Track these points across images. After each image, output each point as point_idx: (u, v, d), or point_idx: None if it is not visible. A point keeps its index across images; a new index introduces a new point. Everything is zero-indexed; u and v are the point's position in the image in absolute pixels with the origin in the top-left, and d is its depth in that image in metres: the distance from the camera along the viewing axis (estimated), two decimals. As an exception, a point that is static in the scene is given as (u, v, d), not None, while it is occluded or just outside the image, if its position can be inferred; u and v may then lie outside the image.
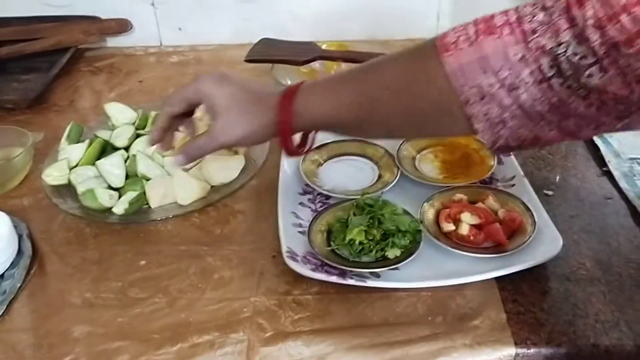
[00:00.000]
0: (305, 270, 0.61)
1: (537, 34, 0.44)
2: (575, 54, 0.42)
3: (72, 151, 0.78)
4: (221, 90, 0.58)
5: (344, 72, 0.59)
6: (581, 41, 0.41)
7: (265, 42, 0.92)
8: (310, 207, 0.72)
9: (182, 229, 0.70)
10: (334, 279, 0.60)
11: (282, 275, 0.63)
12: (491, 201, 0.67)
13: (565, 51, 0.42)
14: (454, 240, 0.64)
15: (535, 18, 0.44)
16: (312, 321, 0.59)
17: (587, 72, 0.42)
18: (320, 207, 0.71)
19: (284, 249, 0.63)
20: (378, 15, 1.10)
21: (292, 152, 0.59)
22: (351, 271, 0.61)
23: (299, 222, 0.69)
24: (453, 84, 0.47)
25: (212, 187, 0.74)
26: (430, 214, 0.67)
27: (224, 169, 0.74)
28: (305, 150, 0.61)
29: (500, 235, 0.62)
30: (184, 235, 0.70)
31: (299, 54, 0.88)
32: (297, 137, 0.59)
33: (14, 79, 1.02)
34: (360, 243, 0.63)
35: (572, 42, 0.42)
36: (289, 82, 0.88)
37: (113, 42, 1.13)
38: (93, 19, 1.10)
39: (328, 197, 0.72)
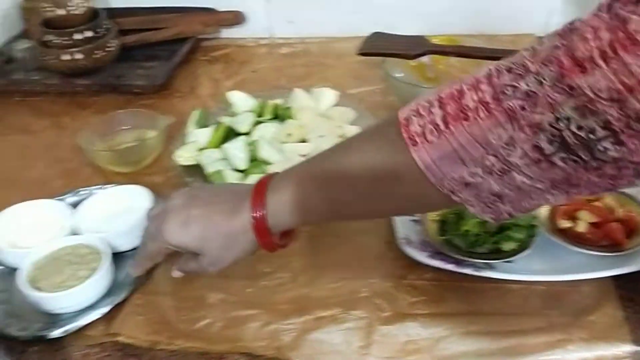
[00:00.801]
0: (421, 257, 0.64)
1: (525, 110, 0.36)
2: (580, 128, 0.35)
3: (200, 135, 0.85)
4: (188, 235, 0.56)
5: (310, 166, 0.54)
6: (587, 114, 0.34)
7: (377, 36, 0.95)
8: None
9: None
10: (450, 266, 0.62)
11: (397, 260, 0.67)
12: (609, 200, 0.67)
13: (566, 126, 0.35)
14: (570, 237, 0.64)
15: (517, 90, 0.36)
16: (427, 305, 0.62)
17: (600, 146, 0.35)
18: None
19: (399, 235, 0.66)
20: (485, 10, 1.11)
21: (275, 248, 0.58)
22: (466, 261, 0.63)
23: (412, 211, 0.72)
24: (430, 180, 0.42)
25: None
26: (544, 209, 0.68)
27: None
28: (286, 243, 0.59)
29: (619, 234, 0.63)
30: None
31: (410, 48, 0.90)
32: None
33: (138, 65, 1.10)
34: (476, 234, 0.65)
35: (574, 116, 0.34)
36: (402, 75, 0.91)
37: (226, 33, 1.20)
38: (210, 10, 1.18)
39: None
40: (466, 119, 0.39)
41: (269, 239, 0.55)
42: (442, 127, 0.40)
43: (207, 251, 0.57)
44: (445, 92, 0.42)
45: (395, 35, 0.94)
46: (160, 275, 0.67)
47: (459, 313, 0.61)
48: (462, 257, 0.63)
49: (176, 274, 0.63)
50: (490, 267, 0.63)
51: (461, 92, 0.40)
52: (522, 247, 0.64)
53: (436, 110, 0.41)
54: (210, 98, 1.02)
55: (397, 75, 0.92)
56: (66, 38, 1.01)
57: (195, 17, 1.16)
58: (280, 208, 0.53)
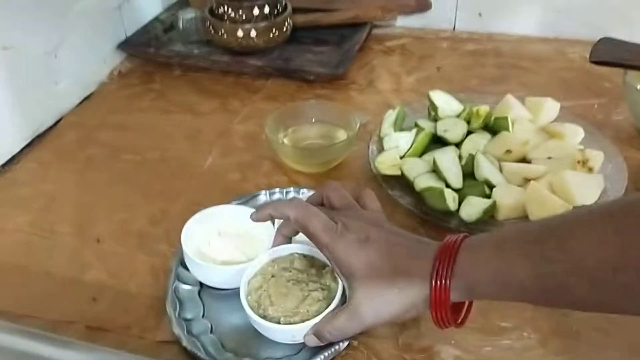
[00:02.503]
0: None
1: None
2: None
3: (400, 139, 0.72)
4: (362, 257, 0.47)
5: (520, 233, 0.44)
6: None
7: (609, 42, 0.79)
8: None
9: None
10: None
11: None
12: None
13: None
14: None
15: None
16: None
17: None
18: None
19: None
20: None
21: (448, 324, 0.47)
22: None
23: None
24: None
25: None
26: None
27: (586, 187, 0.64)
28: (460, 320, 0.48)
29: None
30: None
31: (662, 61, 0.74)
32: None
33: (307, 49, 0.99)
34: None
35: None
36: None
37: (402, 21, 1.07)
38: (389, -6, 1.05)
39: None
40: None
41: (446, 289, 0.44)
42: None
43: (369, 286, 0.47)
44: None
45: (634, 44, 0.78)
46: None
47: None
48: None
49: (310, 341, 0.50)
50: None
51: None
52: None
53: None
54: (392, 94, 0.89)
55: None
56: (242, 12, 0.91)
57: (373, 1, 1.04)
58: (473, 273, 0.44)
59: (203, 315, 0.55)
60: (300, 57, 0.97)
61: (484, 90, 0.87)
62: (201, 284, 0.58)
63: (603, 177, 0.66)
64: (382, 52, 1.01)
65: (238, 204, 0.64)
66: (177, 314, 0.54)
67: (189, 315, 0.55)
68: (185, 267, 0.58)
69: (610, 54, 0.77)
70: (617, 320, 0.53)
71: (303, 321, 0.49)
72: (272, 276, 0.53)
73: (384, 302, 0.46)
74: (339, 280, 0.50)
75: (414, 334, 0.53)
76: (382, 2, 1.03)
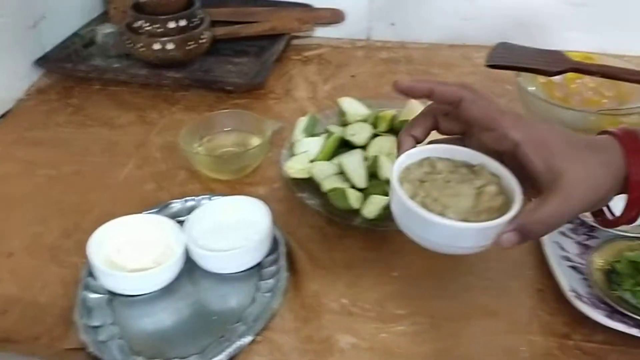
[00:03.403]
0: (597, 316, 0.53)
1: None
2: None
3: (311, 144, 0.75)
4: (555, 132, 0.44)
5: None
6: None
7: (505, 47, 0.85)
8: (572, 238, 0.64)
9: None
10: (634, 331, 0.52)
11: (555, 314, 0.57)
12: None
13: None
14: None
15: None
16: (602, 375, 0.52)
17: None
18: (585, 239, 0.64)
19: (565, 287, 0.56)
20: (612, 27, 1.00)
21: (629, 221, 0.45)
22: (651, 324, 0.53)
23: (565, 254, 0.62)
24: None
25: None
26: None
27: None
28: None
29: None
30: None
31: (550, 63, 0.80)
32: None
33: (227, 61, 1.01)
34: (660, 292, 0.54)
35: None
36: (533, 90, 0.81)
37: (320, 32, 1.11)
38: (306, 7, 1.09)
39: (593, 229, 0.65)
40: None
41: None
42: None
43: (575, 163, 0.42)
44: None
45: (528, 47, 0.84)
46: (282, 307, 0.57)
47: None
48: (647, 320, 0.53)
49: (510, 239, 0.43)
50: (680, 335, 0.53)
51: None
52: None
53: None
54: (308, 102, 0.93)
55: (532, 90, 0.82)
56: (159, 25, 0.92)
57: (290, 13, 1.07)
58: None
59: (112, 323, 0.57)
60: (221, 68, 0.99)
61: (395, 96, 0.91)
62: (112, 293, 0.59)
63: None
64: (301, 62, 1.04)
65: (149, 213, 0.66)
66: (84, 322, 0.55)
67: (96, 323, 0.56)
68: (94, 277, 0.59)
69: (505, 58, 0.83)
70: (505, 304, 0.58)
71: (493, 218, 0.43)
72: (422, 181, 0.47)
73: (595, 178, 0.43)
74: (503, 172, 0.46)
75: (315, 327, 0.56)
76: (299, 14, 1.07)
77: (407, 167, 0.48)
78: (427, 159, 0.49)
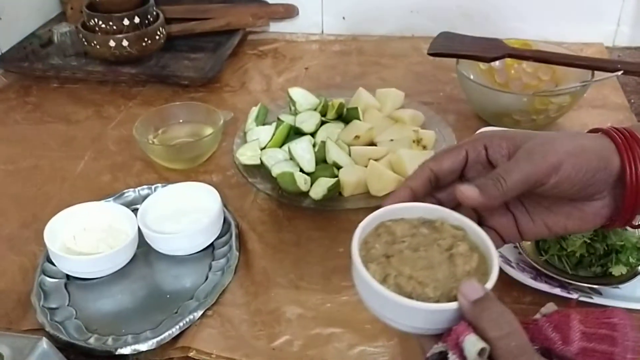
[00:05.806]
0: (525, 278, 0.58)
1: None
2: None
3: (261, 133, 0.79)
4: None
5: None
6: None
7: (446, 36, 0.89)
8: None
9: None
10: (557, 291, 0.57)
11: (488, 279, 0.61)
12: None
13: None
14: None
15: None
16: (530, 332, 0.56)
17: None
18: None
19: (495, 252, 0.60)
20: (551, 16, 1.06)
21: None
22: (571, 284, 0.57)
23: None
24: None
25: (403, 180, 0.72)
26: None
27: (418, 162, 0.72)
28: None
29: None
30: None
31: (487, 50, 0.84)
32: None
33: (184, 57, 1.04)
34: (581, 256, 0.59)
35: None
36: (472, 78, 0.85)
37: (275, 27, 1.14)
38: (260, 2, 1.12)
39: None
40: None
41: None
42: None
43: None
44: None
45: (467, 36, 0.89)
46: (233, 284, 0.61)
47: (566, 342, 0.55)
48: (567, 281, 0.57)
49: (469, 190, 0.41)
50: (598, 293, 0.57)
51: None
52: (633, 272, 0.58)
53: None
54: (262, 94, 0.96)
55: (471, 77, 0.86)
56: (113, 23, 0.95)
57: (244, 9, 1.10)
58: None
59: (68, 304, 0.59)
60: (177, 64, 1.01)
61: (346, 86, 0.95)
62: (68, 277, 0.62)
63: (435, 153, 0.75)
64: (256, 56, 1.07)
65: (105, 201, 0.68)
66: (41, 304, 0.58)
67: (53, 305, 0.58)
68: (52, 262, 0.62)
69: (445, 47, 0.87)
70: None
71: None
72: (388, 257, 0.41)
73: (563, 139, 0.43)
74: (464, 222, 0.43)
75: (263, 300, 0.60)
76: (253, 10, 1.10)
77: (365, 241, 0.42)
78: (382, 224, 0.43)
